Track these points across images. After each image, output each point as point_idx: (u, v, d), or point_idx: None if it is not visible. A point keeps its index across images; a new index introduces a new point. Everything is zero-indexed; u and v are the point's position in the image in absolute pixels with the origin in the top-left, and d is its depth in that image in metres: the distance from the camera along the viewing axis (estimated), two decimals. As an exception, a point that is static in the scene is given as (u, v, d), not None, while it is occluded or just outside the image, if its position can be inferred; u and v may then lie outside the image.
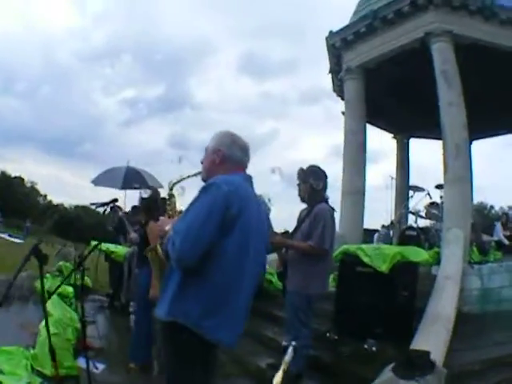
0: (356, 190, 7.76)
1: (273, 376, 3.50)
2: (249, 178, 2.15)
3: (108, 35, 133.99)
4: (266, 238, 2.23)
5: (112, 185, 7.04)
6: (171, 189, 2.38)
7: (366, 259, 3.91)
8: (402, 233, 8.04)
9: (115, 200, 4.10)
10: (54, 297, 4.95)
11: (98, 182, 7.09)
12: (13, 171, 48.86)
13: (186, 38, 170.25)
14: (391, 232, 9.35)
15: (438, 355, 2.88)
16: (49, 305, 4.77)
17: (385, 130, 11.47)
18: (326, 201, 3.56)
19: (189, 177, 2.40)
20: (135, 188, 6.68)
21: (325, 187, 3.57)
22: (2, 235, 18.93)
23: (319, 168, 3.61)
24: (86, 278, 7.65)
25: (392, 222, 9.79)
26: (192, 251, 1.83)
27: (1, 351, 3.50)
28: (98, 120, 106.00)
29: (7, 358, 3.43)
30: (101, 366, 4.01)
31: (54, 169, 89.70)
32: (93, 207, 4.60)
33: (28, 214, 31.19)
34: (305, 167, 3.61)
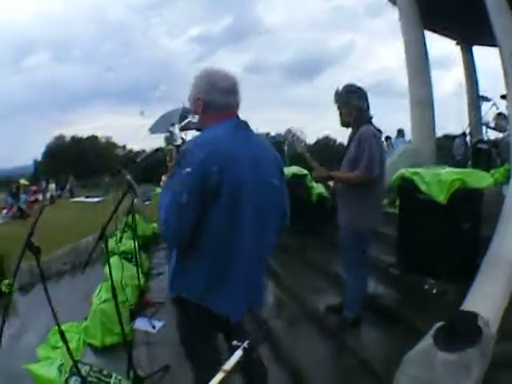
0: (423, 100, 7.38)
1: (332, 322, 3.37)
2: (240, 124, 1.88)
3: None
4: (274, 187, 1.93)
5: (165, 128, 6.62)
6: (168, 143, 2.12)
7: (423, 187, 3.41)
8: (473, 146, 7.80)
9: (158, 149, 3.90)
10: (114, 258, 5.10)
11: (154, 129, 6.87)
12: (86, 132, 51.04)
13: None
14: (467, 142, 9.05)
15: (494, 308, 2.47)
16: (107, 268, 4.91)
17: (446, 36, 10.75)
18: (370, 121, 3.15)
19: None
20: (192, 128, 6.58)
21: (368, 106, 3.16)
22: (79, 199, 20.11)
23: (358, 86, 3.17)
24: (155, 226, 7.86)
25: (464, 133, 9.32)
26: (177, 233, 1.76)
27: (54, 331, 3.61)
28: (168, 62, 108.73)
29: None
30: (158, 324, 4.03)
31: (131, 118, 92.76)
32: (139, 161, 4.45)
33: (106, 170, 30.98)
34: (340, 88, 3.18)
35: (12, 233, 10.21)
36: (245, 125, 1.90)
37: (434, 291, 3.25)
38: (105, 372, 2.63)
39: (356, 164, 3.01)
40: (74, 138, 49.93)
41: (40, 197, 18.53)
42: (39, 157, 49.30)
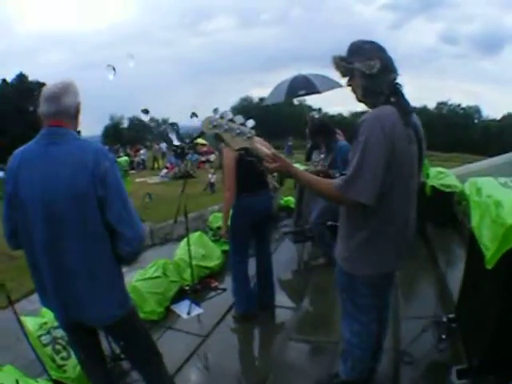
0: None
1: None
2: (45, 134, 1.79)
3: None
4: (73, 206, 1.74)
5: (276, 98, 6.31)
6: None
7: (474, 220, 2.07)
8: None
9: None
10: (196, 234, 5.03)
11: (266, 100, 6.63)
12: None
13: None
14: None
15: None
16: (181, 246, 4.82)
17: None
18: (396, 98, 1.81)
19: None
20: (301, 95, 6.17)
21: (388, 68, 1.83)
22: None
23: (363, 41, 1.90)
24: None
25: None
26: (4, 235, 1.91)
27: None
28: (364, 28, 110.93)
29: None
30: (196, 311, 3.91)
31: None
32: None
33: (291, 133, 28.09)
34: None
35: (157, 192, 11.58)
36: (49, 135, 1.77)
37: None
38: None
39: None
40: (262, 100, 50.37)
41: (212, 157, 17.99)
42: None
